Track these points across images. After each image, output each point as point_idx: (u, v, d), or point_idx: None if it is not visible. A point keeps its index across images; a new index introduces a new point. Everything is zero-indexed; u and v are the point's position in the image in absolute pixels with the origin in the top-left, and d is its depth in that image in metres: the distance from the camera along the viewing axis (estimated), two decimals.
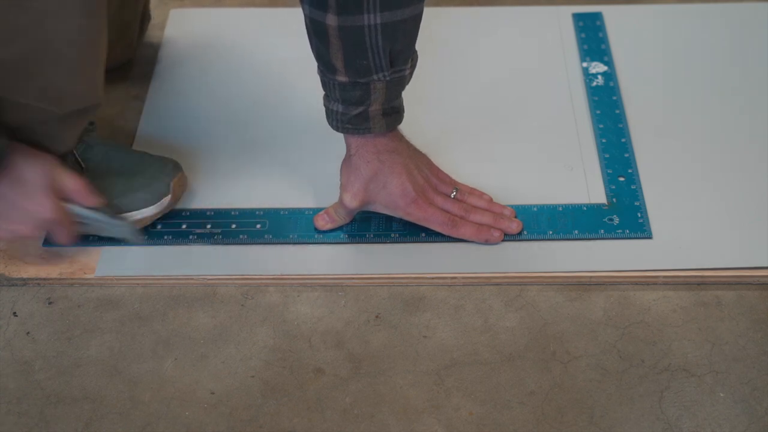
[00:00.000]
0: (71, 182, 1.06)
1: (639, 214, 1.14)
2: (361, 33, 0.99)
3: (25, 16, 0.96)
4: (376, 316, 1.07)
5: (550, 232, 1.13)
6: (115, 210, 1.10)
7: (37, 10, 0.96)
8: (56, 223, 1.05)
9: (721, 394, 1.00)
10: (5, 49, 0.96)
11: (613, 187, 1.18)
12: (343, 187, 1.10)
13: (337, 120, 1.06)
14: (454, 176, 1.16)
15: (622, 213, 1.15)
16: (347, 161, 1.10)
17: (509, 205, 1.14)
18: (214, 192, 1.19)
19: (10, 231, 1.05)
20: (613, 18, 1.41)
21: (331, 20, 0.99)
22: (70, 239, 1.08)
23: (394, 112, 1.07)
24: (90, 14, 1.00)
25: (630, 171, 1.19)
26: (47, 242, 1.13)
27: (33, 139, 1.05)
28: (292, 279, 1.10)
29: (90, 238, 1.12)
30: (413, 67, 1.06)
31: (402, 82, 1.05)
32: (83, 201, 1.07)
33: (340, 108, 1.05)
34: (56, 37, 0.99)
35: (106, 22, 1.03)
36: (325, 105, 1.07)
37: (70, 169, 1.07)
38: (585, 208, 1.15)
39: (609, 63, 1.34)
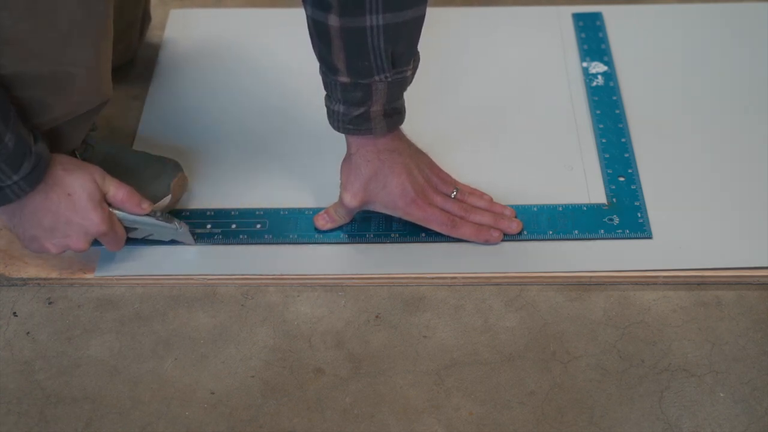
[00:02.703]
0: (119, 192, 1.06)
1: (639, 214, 1.14)
2: (363, 34, 0.99)
3: (54, 32, 0.96)
4: (376, 316, 1.07)
5: (550, 232, 1.13)
6: (162, 213, 1.10)
7: (61, 29, 0.96)
8: (106, 234, 1.06)
9: (721, 394, 1.00)
10: (32, 63, 0.97)
11: (613, 187, 1.18)
12: (343, 187, 1.10)
13: (338, 120, 1.06)
14: (454, 176, 1.16)
15: (622, 213, 1.15)
16: (347, 160, 1.10)
17: (509, 205, 1.15)
18: (214, 192, 1.19)
19: (61, 245, 1.05)
20: (613, 18, 1.41)
21: (334, 21, 0.99)
22: (119, 246, 1.08)
23: (395, 113, 1.07)
24: (106, 23, 1.01)
25: (630, 171, 1.19)
26: None
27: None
28: (292, 279, 1.10)
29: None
30: (415, 68, 1.06)
31: (403, 83, 1.05)
32: (132, 209, 1.07)
33: (342, 108, 1.05)
34: (81, 57, 1.00)
35: (112, 14, 1.03)
36: (326, 105, 1.07)
37: (117, 178, 1.07)
38: (585, 208, 1.15)
39: (609, 63, 1.34)
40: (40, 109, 1.00)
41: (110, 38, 1.03)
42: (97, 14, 0.99)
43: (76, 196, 1.03)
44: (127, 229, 1.08)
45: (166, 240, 1.12)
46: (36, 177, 1.00)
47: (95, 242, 1.08)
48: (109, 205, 1.06)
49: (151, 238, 1.11)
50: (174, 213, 1.15)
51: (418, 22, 1.01)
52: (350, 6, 0.97)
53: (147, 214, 1.08)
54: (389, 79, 1.03)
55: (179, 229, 1.10)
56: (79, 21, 0.97)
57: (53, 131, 1.04)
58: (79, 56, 0.99)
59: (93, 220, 1.04)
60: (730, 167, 1.20)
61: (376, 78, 1.02)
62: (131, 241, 1.11)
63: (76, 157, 1.12)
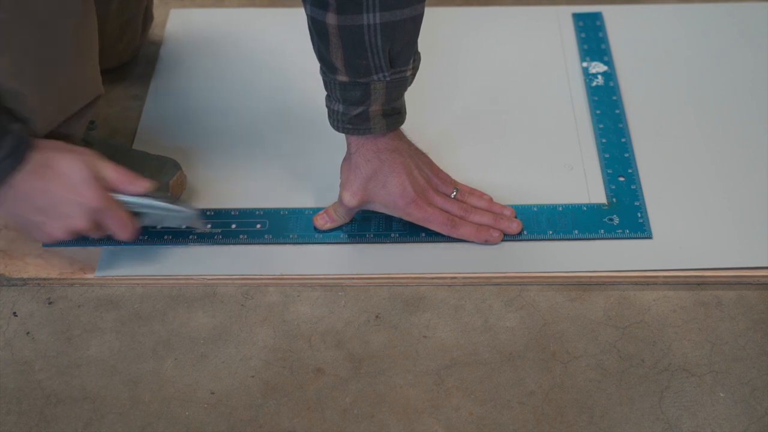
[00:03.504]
0: (113, 172, 1.04)
1: (639, 214, 1.14)
2: (361, 32, 0.99)
3: (35, 38, 0.96)
4: (376, 316, 1.07)
5: (550, 232, 1.13)
6: (167, 197, 1.07)
7: (45, 30, 0.96)
8: (106, 212, 1.03)
9: (721, 394, 1.00)
10: (21, 79, 0.97)
11: (613, 187, 1.18)
12: (342, 186, 1.10)
13: (337, 120, 1.07)
14: (453, 176, 1.16)
15: (622, 213, 1.15)
16: (347, 160, 1.10)
17: (509, 205, 1.15)
18: (214, 192, 1.19)
19: (65, 227, 1.03)
20: (613, 18, 1.41)
21: (331, 19, 0.99)
22: (129, 232, 1.05)
23: (395, 113, 1.07)
24: (86, 12, 1.00)
25: (630, 171, 1.19)
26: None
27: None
28: (292, 279, 1.10)
29: (88, 239, 1.12)
30: (415, 69, 1.06)
31: (403, 83, 1.05)
32: (130, 189, 1.05)
33: (341, 108, 1.05)
34: (63, 50, 0.99)
35: (95, 10, 1.03)
36: (327, 105, 1.07)
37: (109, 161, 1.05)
38: (585, 208, 1.15)
39: (609, 63, 1.34)
40: (31, 106, 1.00)
41: (93, 30, 1.03)
42: (72, 4, 0.98)
43: (67, 175, 1.01)
44: (136, 215, 1.07)
45: (175, 226, 1.10)
46: (18, 156, 0.99)
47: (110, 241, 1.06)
48: (110, 190, 1.05)
49: (162, 225, 1.10)
50: None
51: (415, 22, 1.01)
52: (347, 4, 0.98)
53: (150, 197, 1.06)
54: (387, 79, 1.03)
55: (186, 211, 1.09)
56: (55, 9, 0.97)
57: (51, 133, 1.04)
58: (60, 45, 0.99)
59: (87, 196, 1.02)
60: (731, 167, 1.20)
61: (375, 77, 1.03)
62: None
63: None
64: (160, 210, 1.08)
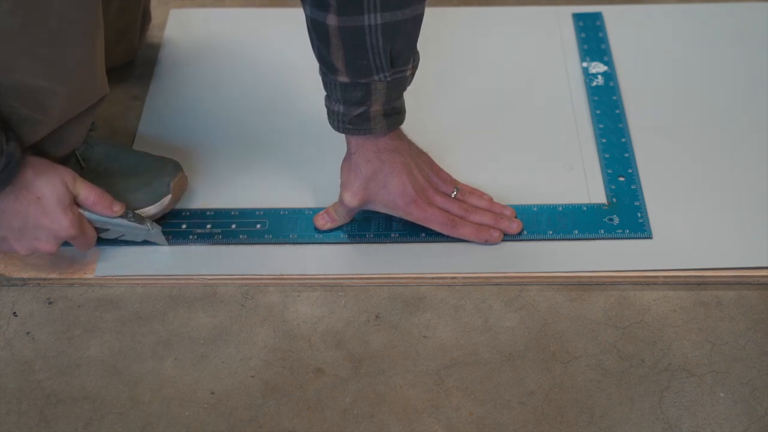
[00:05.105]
0: (90, 195, 1.06)
1: (639, 214, 1.14)
2: (362, 33, 0.99)
3: (49, 42, 0.96)
4: (376, 316, 1.07)
5: (550, 232, 1.13)
6: (134, 215, 1.10)
7: (59, 34, 0.96)
8: (75, 238, 1.05)
9: (721, 394, 1.00)
10: (33, 79, 0.97)
11: (613, 187, 1.18)
12: (343, 186, 1.10)
13: (338, 120, 1.07)
14: (454, 176, 1.16)
15: (622, 213, 1.15)
16: (347, 160, 1.10)
17: (509, 205, 1.15)
18: (214, 192, 1.19)
19: (29, 247, 1.05)
20: (613, 18, 1.41)
21: (332, 20, 0.99)
22: (88, 248, 1.08)
23: (395, 113, 1.07)
24: (98, 13, 1.00)
25: (630, 171, 1.19)
26: None
27: (43, 141, 1.05)
28: (292, 279, 1.10)
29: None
30: (415, 68, 1.06)
31: (403, 82, 1.05)
32: (104, 212, 1.07)
33: (341, 108, 1.05)
34: (72, 54, 0.99)
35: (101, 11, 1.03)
36: (326, 106, 1.07)
37: (87, 180, 1.06)
38: (585, 208, 1.15)
39: (609, 63, 1.34)
40: (40, 107, 1.00)
41: (102, 31, 1.03)
42: (87, 7, 0.98)
43: (45, 199, 1.02)
44: (99, 230, 1.08)
45: (139, 241, 1.11)
46: (5, 178, 0.99)
47: (66, 243, 1.08)
48: (80, 206, 1.06)
49: (123, 238, 1.11)
50: (174, 213, 1.15)
51: (416, 21, 1.01)
52: (348, 5, 0.98)
53: (119, 216, 1.08)
54: (388, 79, 1.03)
55: (151, 230, 1.10)
56: (69, 16, 0.96)
57: (56, 131, 1.04)
58: (70, 52, 0.99)
59: (62, 224, 1.03)
60: (730, 167, 1.20)
61: (376, 77, 1.03)
62: (113, 242, 1.11)
63: (76, 156, 1.12)
64: (126, 228, 1.09)
